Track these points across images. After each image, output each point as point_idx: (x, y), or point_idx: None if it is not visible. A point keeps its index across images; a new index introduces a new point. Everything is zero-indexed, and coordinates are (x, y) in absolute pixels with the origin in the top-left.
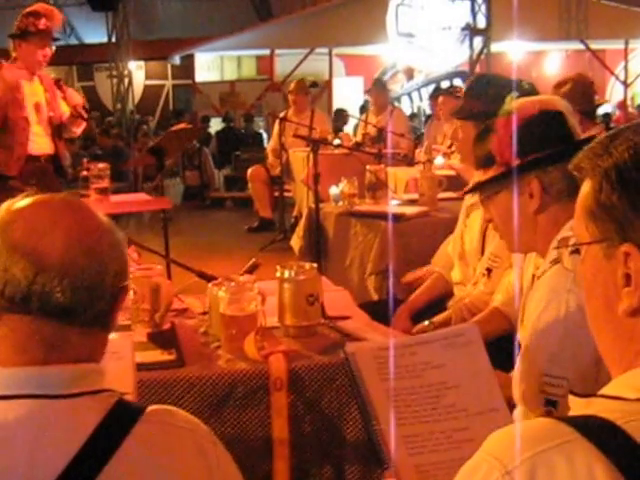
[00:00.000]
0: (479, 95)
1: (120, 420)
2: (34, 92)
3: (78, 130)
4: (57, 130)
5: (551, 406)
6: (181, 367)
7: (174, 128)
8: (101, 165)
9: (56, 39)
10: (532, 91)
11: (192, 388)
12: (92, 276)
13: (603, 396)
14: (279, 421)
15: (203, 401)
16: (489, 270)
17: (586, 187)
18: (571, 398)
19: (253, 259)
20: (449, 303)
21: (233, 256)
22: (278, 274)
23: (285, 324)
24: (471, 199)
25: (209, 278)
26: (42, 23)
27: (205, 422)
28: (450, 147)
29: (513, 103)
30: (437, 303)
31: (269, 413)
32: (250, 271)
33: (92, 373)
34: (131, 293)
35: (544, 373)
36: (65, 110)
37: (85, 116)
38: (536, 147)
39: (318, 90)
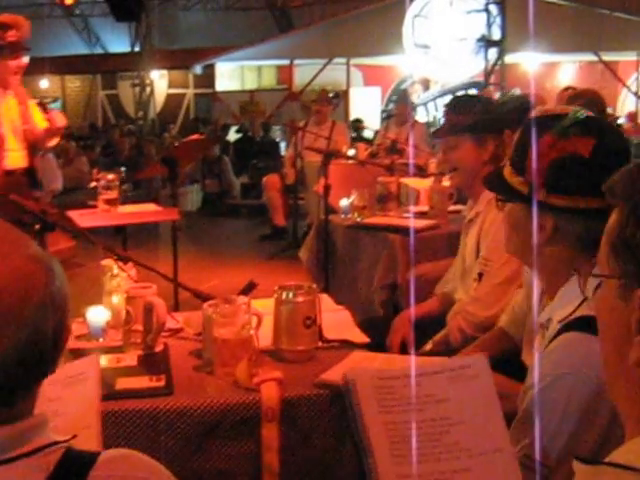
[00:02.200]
0: (467, 109)
1: (67, 477)
2: (8, 106)
3: (51, 144)
4: (32, 144)
5: None
6: (169, 395)
7: (186, 139)
8: (110, 176)
9: (28, 49)
10: (527, 108)
11: (180, 418)
12: (24, 348)
13: (613, 464)
14: (269, 454)
15: (191, 432)
16: (480, 275)
17: (614, 216)
18: (576, 464)
19: (250, 279)
20: (448, 317)
21: (244, 264)
22: (275, 295)
23: (280, 348)
24: (469, 215)
25: (205, 298)
26: (11, 35)
27: (192, 454)
28: None
29: (576, 128)
30: (440, 317)
31: (260, 446)
32: (246, 292)
33: (30, 430)
34: (124, 313)
35: (523, 452)
36: (40, 123)
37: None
38: (570, 191)
39: (337, 100)
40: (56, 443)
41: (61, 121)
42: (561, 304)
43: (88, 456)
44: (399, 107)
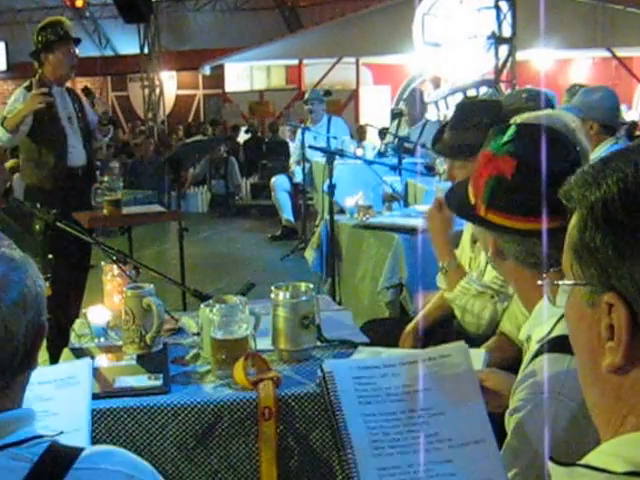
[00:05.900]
0: (472, 125)
1: (50, 470)
2: (65, 104)
3: (105, 138)
4: (88, 139)
5: None
6: (166, 393)
7: (189, 140)
8: (113, 177)
9: (79, 40)
10: (535, 108)
11: (176, 416)
12: None
13: (587, 466)
14: (267, 453)
15: (188, 430)
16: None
17: (574, 220)
18: (552, 466)
19: (248, 279)
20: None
21: (254, 265)
22: (272, 295)
23: (279, 348)
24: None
25: (203, 297)
26: (61, 28)
27: (189, 453)
28: None
29: (509, 145)
30: (445, 322)
31: (257, 444)
32: (244, 292)
33: (15, 421)
34: (123, 313)
35: None
36: (93, 118)
37: (105, 123)
38: (503, 210)
39: (334, 98)
40: (41, 437)
41: (100, 107)
42: (539, 321)
43: (72, 450)
44: (409, 105)
